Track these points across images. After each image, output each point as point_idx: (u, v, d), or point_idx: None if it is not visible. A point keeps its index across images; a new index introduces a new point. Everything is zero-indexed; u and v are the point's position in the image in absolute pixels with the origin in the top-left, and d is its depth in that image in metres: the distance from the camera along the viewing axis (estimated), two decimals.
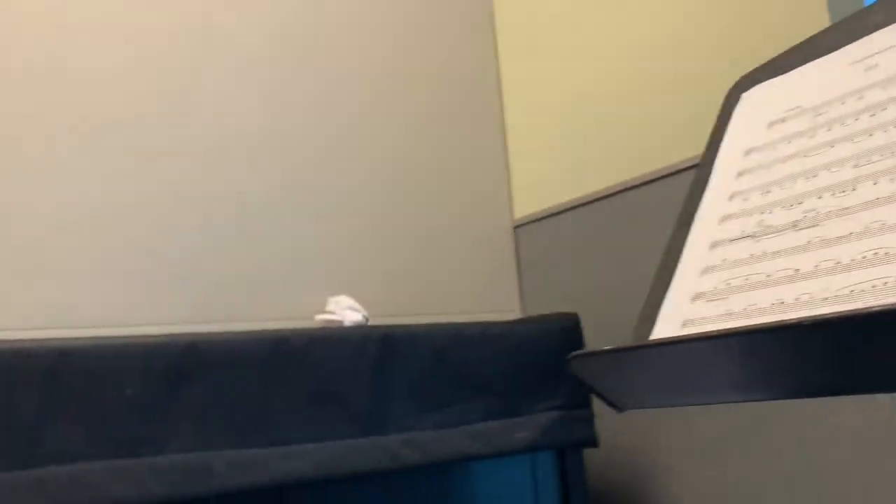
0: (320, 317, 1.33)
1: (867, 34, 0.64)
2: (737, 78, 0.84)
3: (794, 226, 0.59)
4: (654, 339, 0.60)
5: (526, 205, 1.76)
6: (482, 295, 1.70)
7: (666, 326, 0.63)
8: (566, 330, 1.24)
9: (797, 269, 0.56)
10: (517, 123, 1.81)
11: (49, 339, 0.89)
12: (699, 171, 0.76)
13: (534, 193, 1.74)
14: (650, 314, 0.65)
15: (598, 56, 1.59)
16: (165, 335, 0.97)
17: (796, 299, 0.54)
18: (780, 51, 0.78)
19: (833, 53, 0.67)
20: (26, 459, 0.84)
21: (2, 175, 1.32)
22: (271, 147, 1.56)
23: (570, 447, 1.22)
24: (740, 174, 0.71)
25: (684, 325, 0.61)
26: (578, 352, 0.59)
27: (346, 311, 1.32)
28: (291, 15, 1.62)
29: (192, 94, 1.50)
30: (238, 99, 1.54)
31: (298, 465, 1.00)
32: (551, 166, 1.70)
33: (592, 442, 1.22)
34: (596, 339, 1.25)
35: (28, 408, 0.84)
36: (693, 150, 1.32)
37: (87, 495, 0.86)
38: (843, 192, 0.57)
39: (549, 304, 1.57)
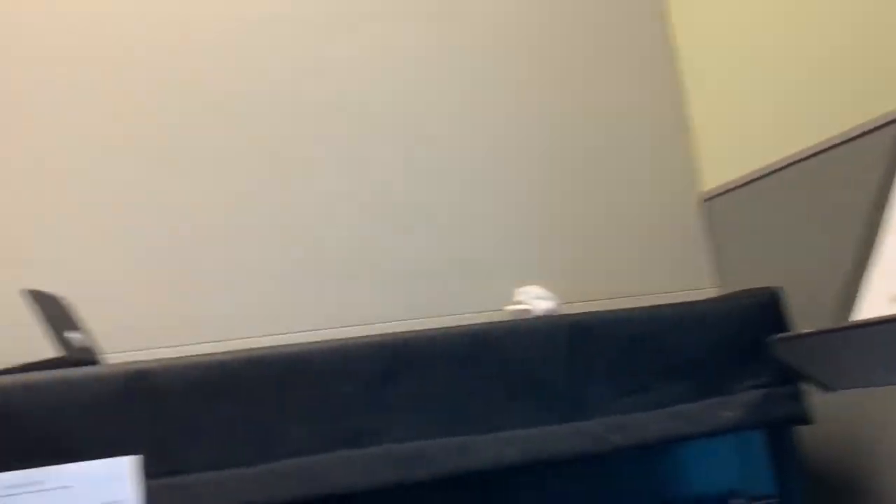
0: (510, 307, 1.38)
1: None
2: None
3: None
4: (861, 320, 0.58)
5: (715, 176, 1.71)
6: (676, 274, 1.67)
7: (873, 302, 0.60)
8: (766, 305, 1.20)
9: None
10: (698, 89, 1.76)
11: (280, 345, 1.00)
12: None
13: (723, 163, 1.69)
14: (855, 288, 0.63)
15: (785, 2, 1.50)
16: (377, 335, 1.06)
17: None
18: None
19: None
20: (267, 454, 0.95)
21: (234, 195, 1.47)
22: (457, 145, 1.62)
23: (779, 425, 1.19)
24: None
25: (894, 299, 0.59)
26: (781, 335, 0.58)
27: (535, 300, 1.35)
28: (461, 5, 1.68)
29: (386, 99, 1.59)
30: (423, 100, 1.62)
31: (506, 451, 1.05)
32: (740, 132, 1.64)
33: (804, 419, 1.17)
34: (799, 312, 1.20)
35: (266, 408, 0.95)
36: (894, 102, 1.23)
37: (320, 484, 0.96)
38: None
39: (748, 278, 1.52)
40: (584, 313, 1.18)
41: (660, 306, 1.23)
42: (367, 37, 1.61)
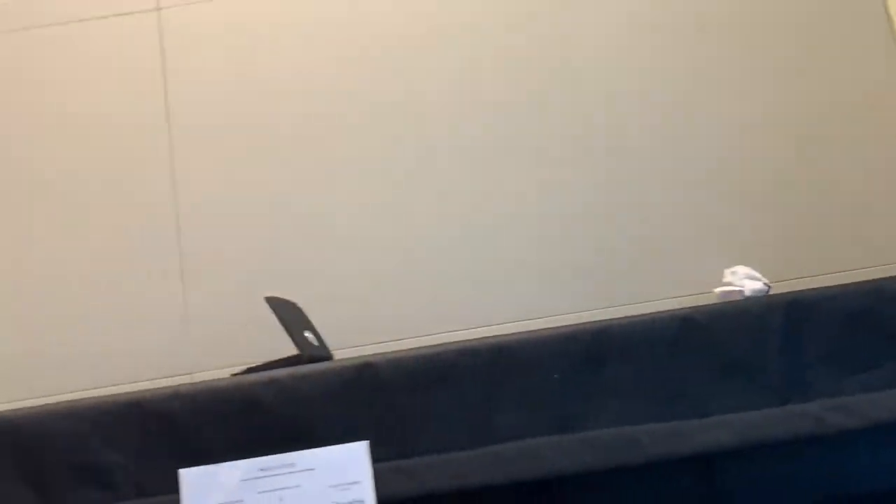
0: (719, 289, 1.34)
1: None
2: None
3: None
4: None
5: None
6: None
7: None
8: None
9: None
10: None
11: (490, 336, 1.06)
12: None
13: None
14: None
15: None
16: (584, 323, 1.08)
17: None
18: None
19: None
20: (482, 438, 1.01)
21: (444, 198, 1.57)
22: (667, 123, 1.60)
23: None
24: None
25: None
26: None
27: (744, 280, 1.31)
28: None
29: (573, 90, 1.62)
30: (634, 87, 1.61)
31: (720, 435, 1.03)
32: None
33: None
34: None
35: (478, 395, 1.01)
36: None
37: (533, 467, 1.00)
38: None
39: None
40: (799, 291, 1.13)
41: (884, 279, 1.14)
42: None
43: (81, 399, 1.03)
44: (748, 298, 1.27)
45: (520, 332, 1.07)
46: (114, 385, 1.21)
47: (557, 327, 1.07)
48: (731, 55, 1.63)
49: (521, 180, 1.57)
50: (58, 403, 1.03)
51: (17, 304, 1.53)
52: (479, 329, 1.44)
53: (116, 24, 1.64)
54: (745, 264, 1.37)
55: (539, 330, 1.08)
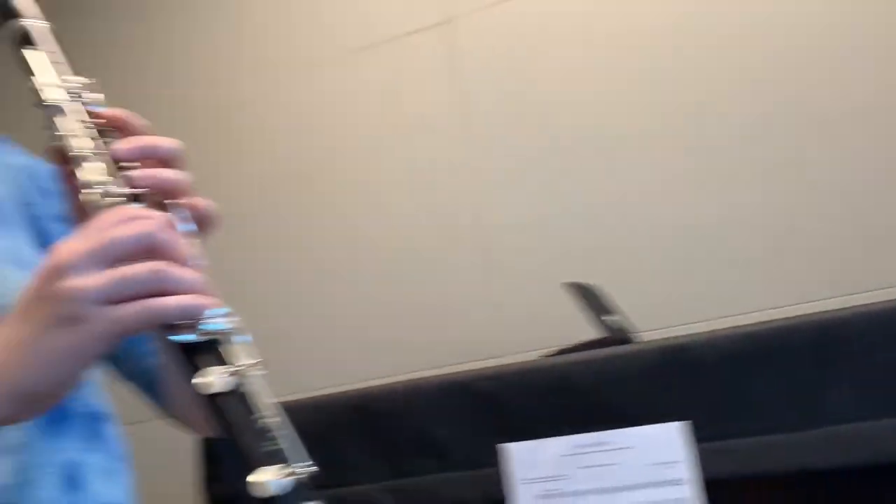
0: None
1: None
2: None
3: None
4: None
5: None
6: None
7: None
8: None
9: None
10: None
11: (811, 313, 1.01)
12: None
13: None
14: None
15: None
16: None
17: None
18: None
19: None
20: (810, 420, 0.95)
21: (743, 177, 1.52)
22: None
23: None
24: None
25: None
26: None
27: None
28: None
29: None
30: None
31: None
32: None
33: None
34: None
35: (805, 375, 0.95)
36: None
37: (865, 451, 0.93)
38: None
39: None
40: None
41: None
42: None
43: (416, 379, 1.15)
44: None
45: (848, 308, 1.00)
46: (436, 367, 1.32)
47: (891, 300, 0.99)
48: None
49: (827, 155, 1.48)
50: (396, 383, 1.16)
51: (359, 299, 1.74)
52: (786, 308, 1.36)
53: (408, 43, 1.77)
54: None
55: (872, 304, 1.00)
